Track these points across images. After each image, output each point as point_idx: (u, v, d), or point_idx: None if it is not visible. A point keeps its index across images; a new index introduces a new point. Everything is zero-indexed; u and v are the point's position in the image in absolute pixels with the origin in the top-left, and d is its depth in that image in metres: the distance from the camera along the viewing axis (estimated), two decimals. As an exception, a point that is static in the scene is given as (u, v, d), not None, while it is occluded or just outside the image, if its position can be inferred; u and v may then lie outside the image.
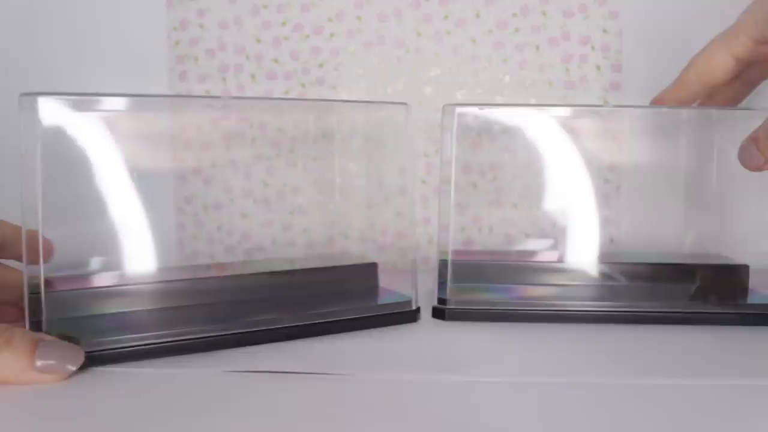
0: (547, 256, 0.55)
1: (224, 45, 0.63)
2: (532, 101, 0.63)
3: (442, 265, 0.47)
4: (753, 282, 0.49)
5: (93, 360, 0.37)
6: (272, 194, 0.62)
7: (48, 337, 0.36)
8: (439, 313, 0.47)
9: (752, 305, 0.47)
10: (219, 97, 0.62)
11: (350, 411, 0.32)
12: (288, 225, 0.62)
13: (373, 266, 0.50)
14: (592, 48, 0.62)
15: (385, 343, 0.42)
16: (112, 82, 0.62)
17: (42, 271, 0.37)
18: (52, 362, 0.35)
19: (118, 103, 0.43)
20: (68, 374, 0.35)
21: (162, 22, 0.63)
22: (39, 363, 0.34)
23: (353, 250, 0.60)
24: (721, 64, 0.49)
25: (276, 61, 0.63)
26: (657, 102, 0.53)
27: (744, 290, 0.49)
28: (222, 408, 0.32)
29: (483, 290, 0.49)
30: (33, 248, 0.37)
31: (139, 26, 0.63)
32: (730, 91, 0.52)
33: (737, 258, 0.51)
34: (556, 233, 0.55)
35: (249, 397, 0.33)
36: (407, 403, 0.33)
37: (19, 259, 0.42)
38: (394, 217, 0.57)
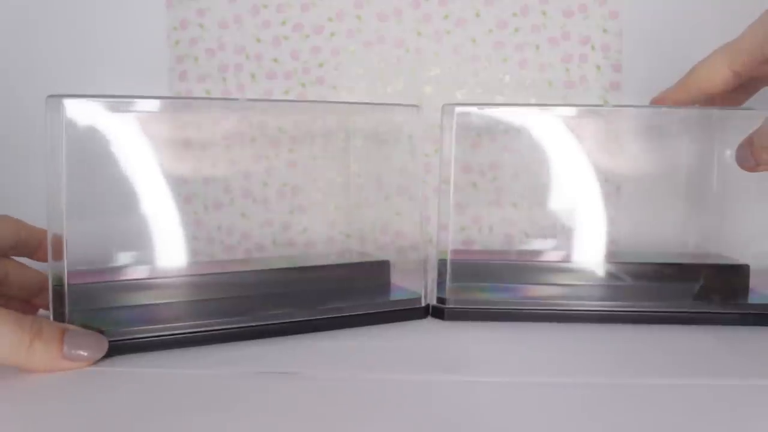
0: (545, 256, 0.55)
1: (224, 45, 0.63)
2: (532, 101, 0.63)
3: (441, 264, 0.47)
4: (753, 282, 0.49)
5: (113, 349, 0.38)
6: (272, 194, 0.62)
7: (72, 327, 0.38)
8: (438, 313, 0.47)
9: (753, 305, 0.47)
10: (236, 99, 0.62)
11: (350, 411, 0.32)
12: (288, 224, 0.62)
13: (385, 264, 0.51)
14: (592, 48, 0.62)
15: (387, 342, 0.42)
16: (113, 81, 0.62)
17: (66, 266, 0.39)
18: (80, 352, 0.36)
19: (137, 105, 0.45)
20: (94, 361, 0.37)
21: (162, 22, 0.63)
22: (68, 351, 0.36)
23: (354, 250, 0.60)
24: (722, 77, 0.50)
25: (276, 60, 0.63)
26: (657, 102, 0.53)
27: (745, 290, 0.49)
28: (222, 408, 0.32)
29: (481, 290, 0.49)
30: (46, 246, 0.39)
31: (139, 26, 0.63)
32: (728, 100, 0.52)
33: (737, 258, 0.51)
34: (555, 233, 0.55)
35: (249, 396, 0.33)
36: (407, 403, 0.33)
37: (33, 258, 0.44)
38: (399, 217, 0.57)
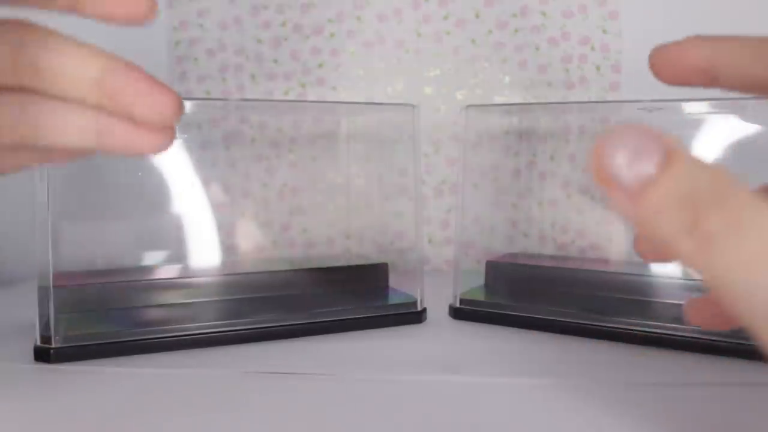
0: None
1: (224, 45, 0.63)
2: (532, 101, 0.63)
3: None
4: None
5: (100, 352, 0.38)
6: (272, 194, 0.62)
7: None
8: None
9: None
10: (236, 100, 0.62)
11: (350, 411, 0.32)
12: (287, 225, 0.62)
13: (383, 266, 0.51)
14: (592, 48, 0.62)
15: (386, 343, 0.42)
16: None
17: (51, 267, 0.38)
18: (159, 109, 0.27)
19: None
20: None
21: (162, 22, 0.63)
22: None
23: (354, 251, 0.60)
24: None
25: (276, 61, 0.63)
26: None
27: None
28: (222, 407, 0.32)
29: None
30: None
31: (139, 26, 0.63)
32: None
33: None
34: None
35: (249, 396, 0.33)
36: (407, 402, 0.33)
37: None
38: (399, 218, 0.57)
